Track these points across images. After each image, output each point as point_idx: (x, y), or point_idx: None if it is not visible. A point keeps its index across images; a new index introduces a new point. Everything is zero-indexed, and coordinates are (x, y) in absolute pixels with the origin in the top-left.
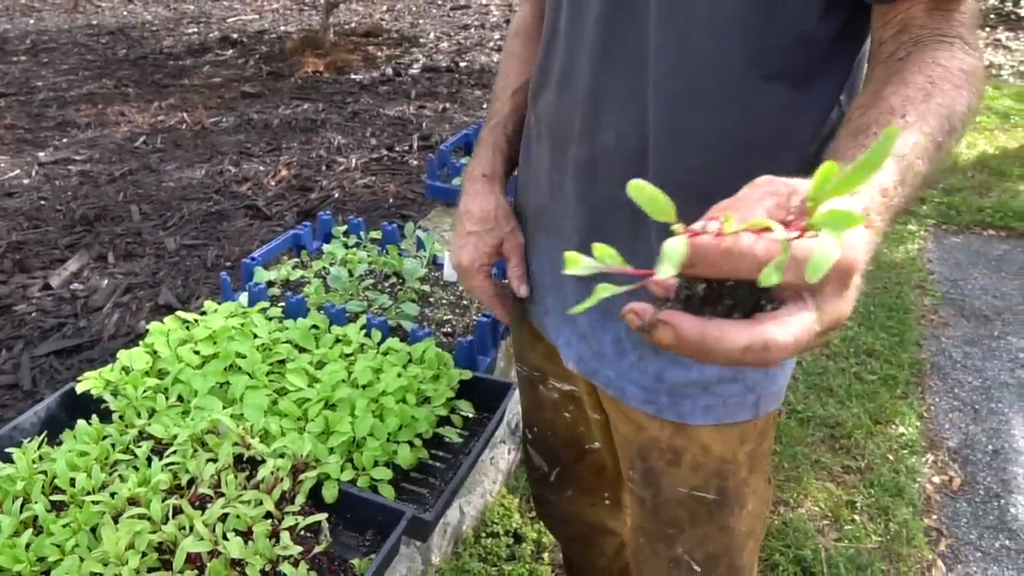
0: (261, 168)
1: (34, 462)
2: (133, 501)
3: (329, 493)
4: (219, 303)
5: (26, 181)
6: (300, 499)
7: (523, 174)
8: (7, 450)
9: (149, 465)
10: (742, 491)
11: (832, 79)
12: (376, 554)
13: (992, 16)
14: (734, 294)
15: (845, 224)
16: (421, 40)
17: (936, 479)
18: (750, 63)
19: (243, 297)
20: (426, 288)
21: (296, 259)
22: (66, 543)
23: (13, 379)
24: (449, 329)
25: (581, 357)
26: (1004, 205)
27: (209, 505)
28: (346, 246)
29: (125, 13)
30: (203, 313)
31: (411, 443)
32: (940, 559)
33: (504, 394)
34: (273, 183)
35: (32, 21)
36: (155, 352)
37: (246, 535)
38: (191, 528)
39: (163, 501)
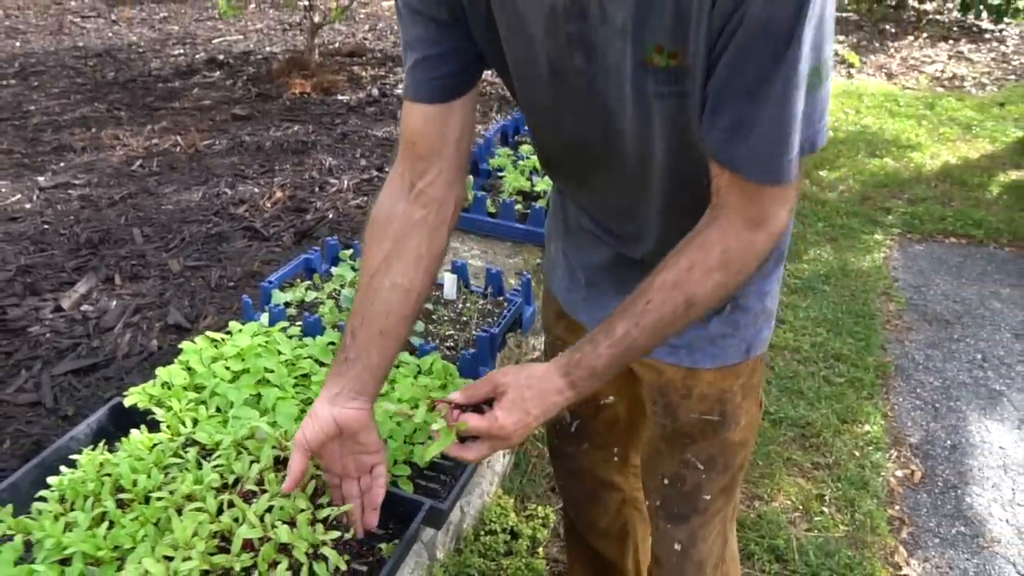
0: (256, 190)
1: (98, 467)
2: (189, 497)
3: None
4: (242, 323)
5: (28, 206)
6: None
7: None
8: (71, 457)
9: (199, 467)
10: (737, 412)
11: None
12: (400, 539)
13: (955, 29)
14: None
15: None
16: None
17: (899, 473)
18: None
19: (264, 317)
20: (429, 307)
21: (308, 281)
22: (136, 533)
23: (35, 397)
24: (451, 343)
25: None
26: (965, 214)
27: (255, 500)
28: (353, 268)
29: (110, 35)
30: (229, 333)
31: (424, 444)
32: (902, 545)
33: None
34: (269, 205)
35: (18, 44)
36: (190, 368)
37: (290, 524)
38: (243, 519)
39: (215, 497)
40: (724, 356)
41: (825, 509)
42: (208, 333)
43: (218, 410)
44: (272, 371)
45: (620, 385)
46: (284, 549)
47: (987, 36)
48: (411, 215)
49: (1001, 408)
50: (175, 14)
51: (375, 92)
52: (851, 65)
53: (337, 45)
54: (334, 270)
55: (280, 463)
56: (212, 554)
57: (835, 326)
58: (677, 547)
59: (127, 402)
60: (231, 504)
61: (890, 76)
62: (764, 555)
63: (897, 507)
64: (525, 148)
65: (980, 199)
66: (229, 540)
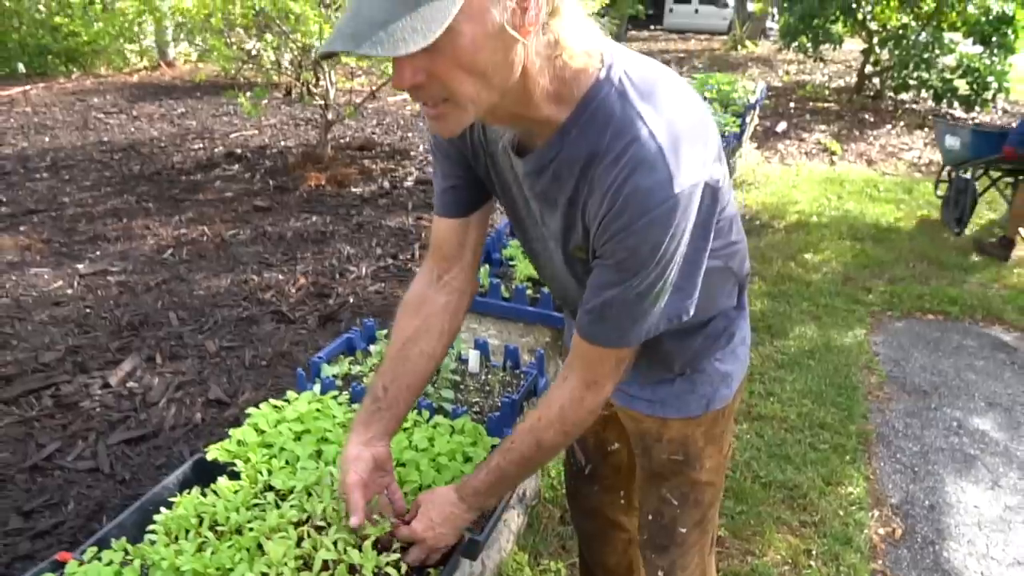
0: (280, 277)
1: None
2: (274, 529)
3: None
4: (298, 392)
5: (69, 291)
6: (386, 527)
7: None
8: (169, 499)
9: (277, 507)
10: (701, 455)
11: None
12: (445, 566)
13: (930, 117)
14: None
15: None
16: (411, 153)
17: (881, 530)
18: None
19: (316, 387)
20: (457, 378)
21: (351, 357)
22: (233, 557)
23: (93, 464)
24: (478, 409)
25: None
26: (941, 292)
27: (325, 532)
28: None
29: (133, 130)
30: (287, 401)
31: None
32: None
33: None
34: (294, 290)
35: (47, 139)
36: (259, 430)
37: (357, 549)
38: (319, 546)
39: (295, 529)
40: (687, 409)
41: (812, 563)
42: (271, 400)
43: (287, 463)
44: (330, 431)
45: (621, 432)
46: (352, 569)
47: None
48: (437, 300)
49: (975, 470)
50: (192, 109)
51: (386, 184)
52: (833, 153)
53: (348, 139)
54: (372, 348)
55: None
56: (299, 569)
57: (819, 397)
58: (660, 575)
59: (209, 456)
60: (307, 534)
61: (870, 163)
62: None
63: (879, 561)
64: None
65: (956, 278)
66: (308, 563)
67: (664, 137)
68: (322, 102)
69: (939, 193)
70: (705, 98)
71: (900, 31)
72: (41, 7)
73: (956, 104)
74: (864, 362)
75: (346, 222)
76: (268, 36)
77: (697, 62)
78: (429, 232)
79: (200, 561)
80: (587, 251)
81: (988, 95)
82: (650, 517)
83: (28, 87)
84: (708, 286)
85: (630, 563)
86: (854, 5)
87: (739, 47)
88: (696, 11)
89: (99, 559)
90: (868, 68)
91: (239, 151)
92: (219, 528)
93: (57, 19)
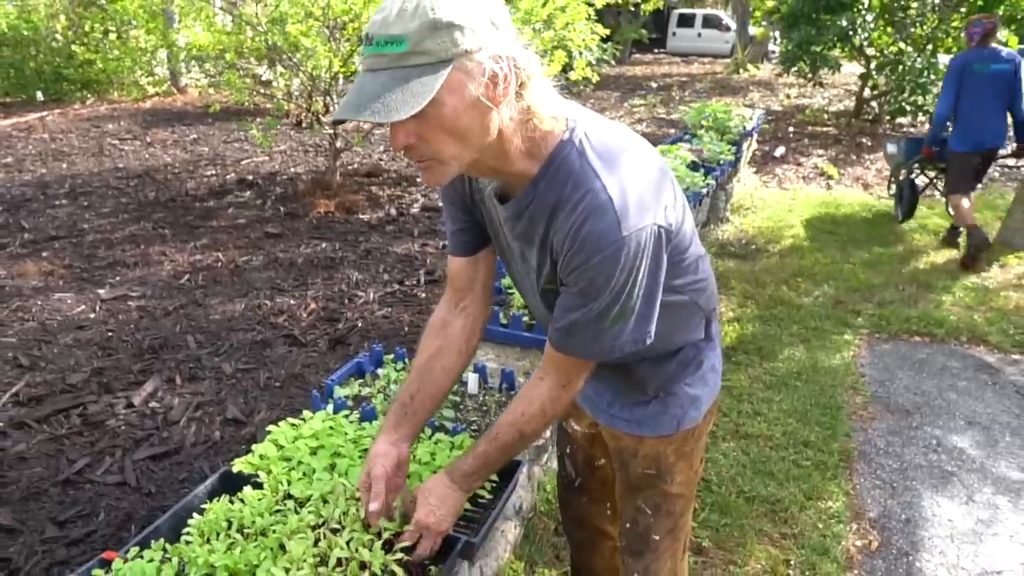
0: (292, 301)
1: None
2: (295, 532)
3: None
4: (313, 412)
5: (92, 315)
6: (393, 530)
7: None
8: (202, 506)
9: (296, 513)
10: (672, 470)
11: None
12: (444, 563)
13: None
14: None
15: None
16: (417, 179)
17: (858, 542)
18: None
19: (329, 407)
20: (457, 399)
21: (361, 379)
22: (259, 555)
23: (121, 478)
24: (476, 427)
25: (592, 410)
26: (928, 315)
27: (339, 534)
28: (396, 369)
29: (147, 156)
30: (303, 419)
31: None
32: None
33: (516, 468)
34: (305, 315)
35: (65, 165)
36: (279, 445)
37: (367, 549)
38: (333, 546)
39: (312, 531)
40: (660, 428)
41: (791, 572)
42: (289, 419)
43: (304, 474)
44: (343, 446)
45: (606, 449)
46: (363, 566)
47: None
48: (456, 324)
49: (952, 486)
50: (204, 136)
51: (393, 211)
52: (830, 177)
53: (356, 165)
54: (380, 371)
55: (351, 512)
56: (317, 565)
57: (804, 417)
58: None
59: (235, 469)
60: (324, 536)
61: (866, 187)
62: None
63: (855, 571)
64: None
65: (943, 301)
66: (324, 560)
67: (615, 189)
68: (331, 131)
69: (891, 192)
70: (702, 126)
71: (896, 56)
72: (58, 36)
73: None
74: (850, 383)
75: (354, 248)
76: (280, 68)
77: (699, 85)
78: (434, 258)
79: (230, 558)
80: (556, 283)
81: None
82: (627, 525)
83: (45, 113)
84: (677, 319)
85: (616, 568)
86: (851, 32)
87: (741, 70)
88: (699, 35)
89: (141, 557)
90: (866, 92)
91: (250, 177)
92: (246, 531)
93: (74, 47)
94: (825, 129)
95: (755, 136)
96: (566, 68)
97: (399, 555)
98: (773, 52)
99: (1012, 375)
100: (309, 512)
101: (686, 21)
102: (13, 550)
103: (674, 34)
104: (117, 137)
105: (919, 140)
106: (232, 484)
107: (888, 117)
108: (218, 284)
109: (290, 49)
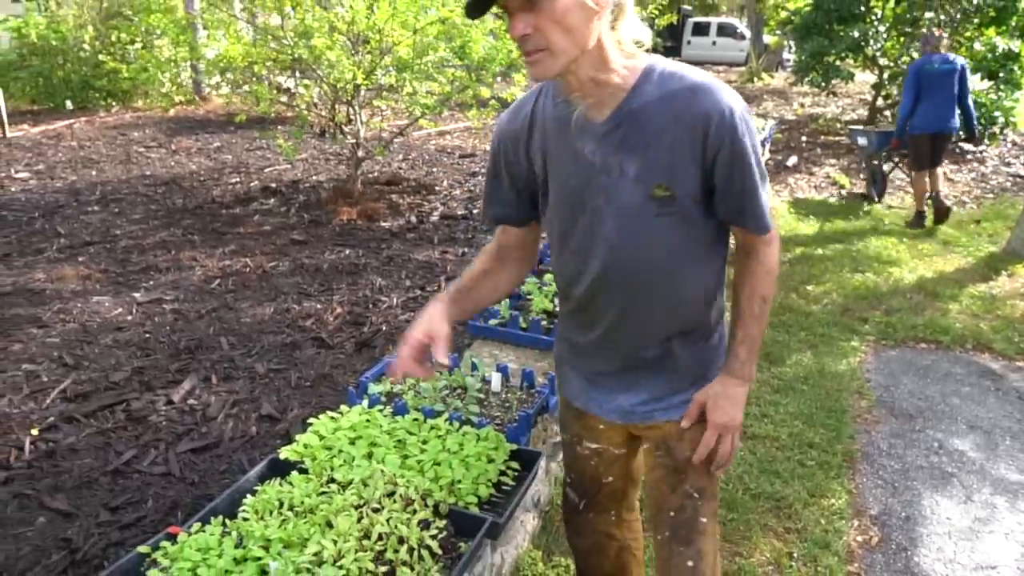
0: (319, 306)
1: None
2: (340, 510)
3: (443, 509)
4: (349, 406)
5: (129, 318)
6: (427, 512)
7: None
8: (255, 489)
9: (340, 494)
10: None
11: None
12: (472, 540)
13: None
14: None
15: None
16: (436, 188)
17: (859, 538)
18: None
19: (364, 402)
20: (481, 395)
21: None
22: (308, 530)
23: (166, 469)
24: (499, 421)
25: (626, 417)
26: (934, 322)
27: (379, 512)
28: None
29: (172, 164)
30: (341, 413)
31: (485, 484)
32: None
33: (536, 459)
34: (331, 319)
35: (94, 172)
36: (321, 436)
37: (405, 526)
38: (374, 522)
39: (356, 510)
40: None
41: (793, 564)
42: (329, 412)
43: (344, 461)
44: (378, 437)
45: (618, 467)
46: (401, 540)
47: (968, 157)
48: (507, 260)
49: (951, 487)
50: (227, 144)
51: (413, 219)
52: (842, 187)
53: (376, 174)
54: None
55: (389, 495)
56: (361, 539)
57: (810, 419)
58: (690, 564)
59: (282, 456)
60: (366, 514)
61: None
62: None
63: (856, 564)
64: (548, 277)
65: (949, 309)
66: (368, 535)
67: (709, 78)
68: (353, 140)
69: (863, 176)
70: None
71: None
72: (86, 46)
73: (964, 137)
74: (855, 387)
75: (377, 255)
76: (306, 81)
77: None
78: (454, 265)
79: (284, 532)
80: (669, 186)
81: (996, 129)
82: (673, 514)
83: (72, 121)
84: (717, 283)
85: (623, 566)
86: (862, 43)
87: (755, 79)
88: (714, 43)
89: (203, 531)
90: (879, 102)
91: (274, 185)
92: (296, 509)
93: (101, 57)
94: (838, 139)
95: (768, 146)
96: None
97: (433, 531)
98: (788, 61)
99: (1015, 381)
100: (352, 493)
101: (701, 30)
102: (71, 532)
103: (689, 43)
104: (143, 145)
105: (887, 133)
106: (279, 470)
107: None
108: (247, 288)
109: (315, 62)
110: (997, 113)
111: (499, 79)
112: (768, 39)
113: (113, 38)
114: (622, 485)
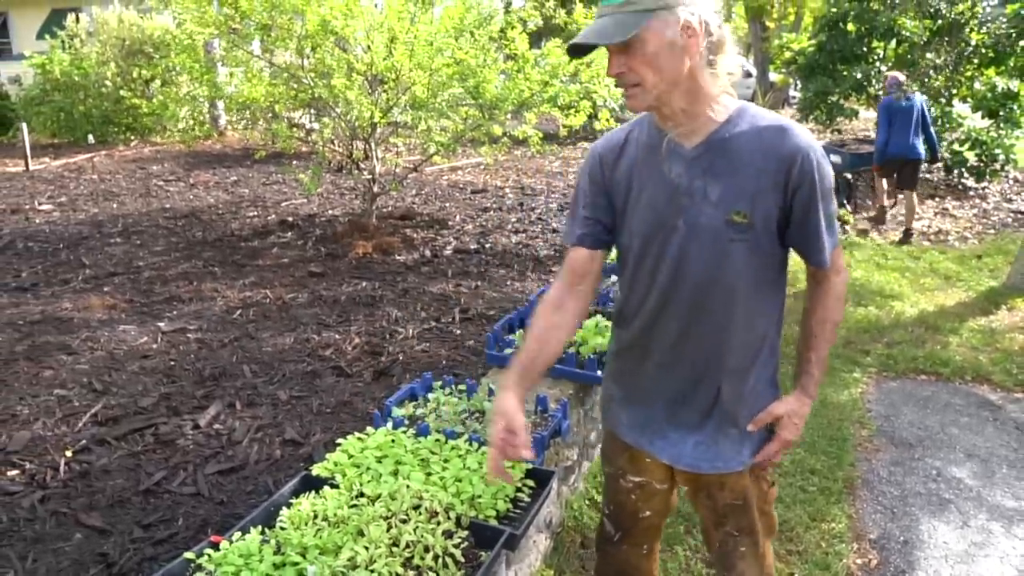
0: (337, 336)
1: (311, 506)
2: (371, 520)
3: (464, 521)
4: (375, 428)
5: (154, 346)
6: (450, 524)
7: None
8: (290, 502)
9: (371, 505)
10: (751, 497)
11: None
12: (491, 550)
13: (941, 187)
14: None
15: None
16: (449, 223)
17: (859, 561)
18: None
19: (389, 424)
20: None
21: (415, 402)
22: (342, 538)
23: (195, 489)
24: None
25: (674, 457)
26: (935, 355)
27: (406, 524)
28: (444, 395)
29: (191, 197)
30: (367, 434)
31: (504, 499)
32: None
33: (550, 477)
34: (350, 348)
35: (115, 205)
36: (349, 454)
37: (431, 535)
38: (402, 532)
39: (384, 520)
40: (735, 465)
41: None
42: (356, 434)
43: (372, 478)
44: (404, 456)
45: (656, 503)
46: (427, 548)
47: (971, 193)
48: (570, 304)
49: (949, 512)
50: (244, 178)
51: (427, 253)
52: (845, 222)
53: (390, 208)
54: (430, 395)
55: (415, 508)
56: (390, 546)
57: (812, 447)
58: None
59: (314, 472)
60: (394, 525)
61: (880, 231)
62: None
63: None
64: None
65: (950, 342)
66: (396, 543)
67: (793, 121)
68: (369, 176)
69: (865, 214)
70: None
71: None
72: (108, 82)
73: (967, 175)
74: (857, 417)
75: (392, 288)
76: (324, 119)
77: None
78: (467, 298)
79: (319, 540)
80: (747, 213)
81: (997, 166)
82: (717, 545)
83: (92, 155)
84: (771, 323)
85: None
86: (864, 83)
87: None
88: None
89: (243, 540)
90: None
91: (291, 219)
92: (329, 519)
93: (123, 93)
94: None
95: None
96: (591, 117)
97: (456, 540)
98: (794, 98)
99: (1013, 412)
100: (380, 506)
101: None
102: (107, 547)
103: None
104: (162, 178)
105: (861, 156)
106: (311, 485)
107: None
108: (268, 319)
109: (333, 100)
110: (998, 151)
111: (510, 116)
112: (774, 77)
113: (134, 75)
114: (658, 521)
